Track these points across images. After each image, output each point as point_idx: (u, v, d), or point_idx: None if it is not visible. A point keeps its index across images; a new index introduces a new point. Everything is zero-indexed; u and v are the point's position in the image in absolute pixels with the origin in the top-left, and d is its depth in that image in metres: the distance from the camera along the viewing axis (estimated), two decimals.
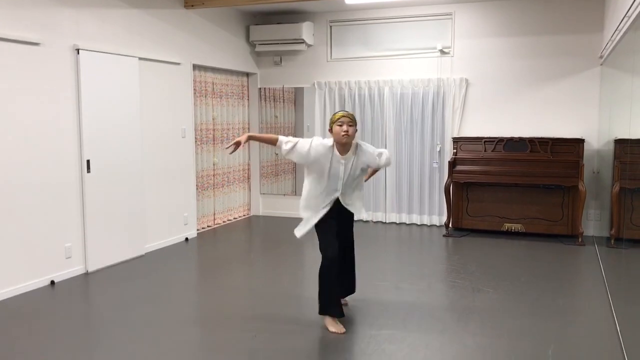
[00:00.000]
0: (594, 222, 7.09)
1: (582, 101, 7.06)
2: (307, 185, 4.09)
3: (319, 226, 4.06)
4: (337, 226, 4.13)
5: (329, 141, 3.98)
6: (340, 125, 3.89)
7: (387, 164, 4.20)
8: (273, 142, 4.00)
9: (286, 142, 3.96)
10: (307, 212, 4.09)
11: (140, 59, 6.07)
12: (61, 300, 4.71)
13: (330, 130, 3.97)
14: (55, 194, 5.15)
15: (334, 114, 3.99)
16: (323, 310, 4.04)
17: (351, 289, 4.48)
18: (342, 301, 4.27)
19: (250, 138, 4.02)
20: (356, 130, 4.01)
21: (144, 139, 6.21)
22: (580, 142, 6.77)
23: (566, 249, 6.46)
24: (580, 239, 6.64)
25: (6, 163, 4.68)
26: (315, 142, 3.93)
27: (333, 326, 3.97)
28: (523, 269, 5.60)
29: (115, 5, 5.79)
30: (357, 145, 4.04)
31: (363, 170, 4.13)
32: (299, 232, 4.10)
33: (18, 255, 4.82)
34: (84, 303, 4.70)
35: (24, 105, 4.82)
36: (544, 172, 6.72)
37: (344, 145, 3.95)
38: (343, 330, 3.95)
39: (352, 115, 4.00)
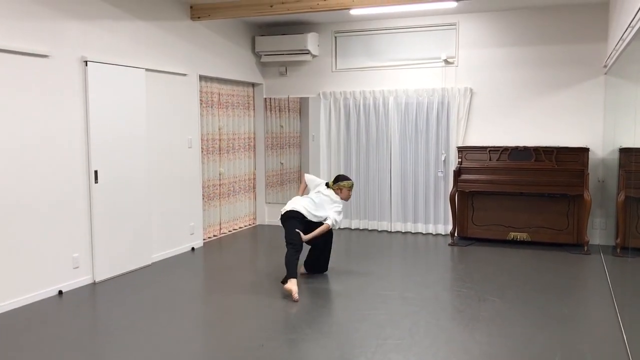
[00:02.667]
0: (599, 230, 7.09)
1: (586, 110, 7.08)
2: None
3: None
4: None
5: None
6: (349, 191, 5.65)
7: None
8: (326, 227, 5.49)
9: (337, 212, 5.54)
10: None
11: (147, 70, 6.13)
12: (69, 310, 4.74)
13: (339, 189, 5.61)
14: (64, 204, 5.19)
15: (348, 182, 5.63)
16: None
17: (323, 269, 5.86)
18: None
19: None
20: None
21: (151, 149, 6.26)
22: (585, 151, 6.78)
23: (572, 257, 6.45)
24: (585, 248, 6.64)
25: (15, 173, 4.73)
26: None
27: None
28: (529, 278, 5.60)
29: (123, 17, 5.86)
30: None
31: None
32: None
33: (26, 265, 4.86)
34: (91, 313, 4.73)
35: (33, 116, 4.88)
36: (549, 181, 6.73)
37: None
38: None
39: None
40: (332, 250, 5.91)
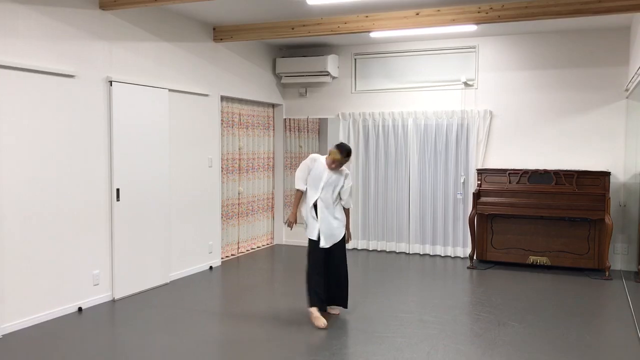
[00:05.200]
0: (621, 255, 6.99)
1: (607, 134, 7.04)
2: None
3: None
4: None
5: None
6: (332, 162, 4.96)
7: (347, 193, 5.08)
8: (299, 196, 5.14)
9: (298, 181, 5.11)
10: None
11: (170, 90, 6.23)
12: (88, 327, 4.78)
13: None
14: (85, 221, 5.27)
15: (334, 150, 4.97)
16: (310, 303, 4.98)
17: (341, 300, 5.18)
18: (333, 311, 5.17)
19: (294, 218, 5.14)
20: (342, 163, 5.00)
21: (172, 168, 6.33)
22: (606, 175, 6.72)
23: (593, 283, 6.36)
24: (607, 273, 6.55)
25: (38, 190, 4.82)
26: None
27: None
28: (549, 303, 5.53)
29: (147, 38, 5.98)
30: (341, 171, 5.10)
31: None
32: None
33: (48, 282, 4.92)
34: (110, 330, 4.77)
35: (58, 135, 4.98)
36: (570, 204, 6.67)
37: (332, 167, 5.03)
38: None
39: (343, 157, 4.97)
40: (348, 274, 5.27)
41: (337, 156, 4.91)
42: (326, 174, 4.97)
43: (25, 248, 4.72)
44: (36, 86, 4.77)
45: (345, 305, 5.14)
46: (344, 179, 5.03)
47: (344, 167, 5.09)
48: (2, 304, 4.51)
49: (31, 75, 4.72)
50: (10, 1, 4.55)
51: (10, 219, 4.58)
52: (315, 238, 4.95)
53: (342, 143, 5.03)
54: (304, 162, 5.13)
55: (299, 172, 5.10)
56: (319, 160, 5.07)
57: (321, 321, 4.81)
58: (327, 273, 5.06)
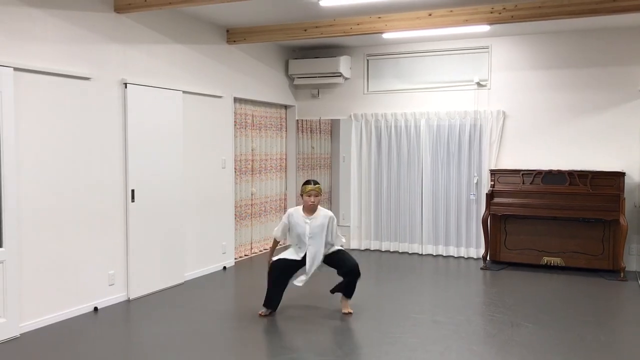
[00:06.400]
0: (636, 257, 6.94)
1: (622, 134, 6.99)
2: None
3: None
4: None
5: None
6: (309, 196, 5.05)
7: (335, 241, 5.18)
8: (274, 245, 5.39)
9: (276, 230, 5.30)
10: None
11: (184, 92, 6.28)
12: (104, 327, 4.83)
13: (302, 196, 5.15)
14: (101, 222, 5.32)
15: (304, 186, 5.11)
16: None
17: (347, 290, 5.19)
18: (346, 310, 5.19)
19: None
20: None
21: (186, 169, 6.38)
22: (620, 175, 6.67)
23: (607, 284, 6.32)
24: (622, 274, 6.50)
25: (55, 191, 4.88)
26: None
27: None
28: (563, 304, 5.51)
29: (162, 41, 6.03)
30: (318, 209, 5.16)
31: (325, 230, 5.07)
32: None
33: (64, 282, 4.98)
34: (126, 330, 4.82)
35: (74, 136, 5.04)
36: (584, 205, 6.63)
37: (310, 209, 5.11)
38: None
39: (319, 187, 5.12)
40: (361, 273, 5.19)
41: (308, 187, 5.05)
42: (308, 227, 5.04)
43: (42, 249, 4.78)
44: (52, 88, 4.83)
45: (347, 295, 5.19)
46: (329, 222, 5.10)
47: (324, 210, 5.18)
48: (20, 304, 4.58)
49: (47, 77, 4.78)
50: (27, 5, 4.62)
51: (27, 220, 4.65)
52: (299, 258, 5.09)
53: (306, 180, 5.22)
54: (281, 221, 5.25)
55: (277, 228, 5.28)
56: (296, 213, 5.14)
57: (263, 311, 5.10)
58: (338, 267, 5.14)
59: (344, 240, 5.34)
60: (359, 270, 5.09)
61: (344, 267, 5.08)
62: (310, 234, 5.04)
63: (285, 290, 5.14)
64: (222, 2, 5.07)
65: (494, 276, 6.73)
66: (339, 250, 5.20)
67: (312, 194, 5.04)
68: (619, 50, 6.98)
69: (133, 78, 5.63)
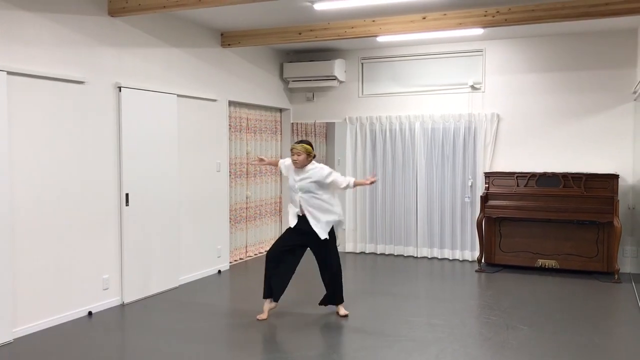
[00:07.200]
0: (630, 258, 6.97)
1: (616, 137, 7.02)
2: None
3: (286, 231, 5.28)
4: (302, 243, 5.14)
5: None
6: (292, 155, 5.05)
7: (340, 184, 5.02)
8: (275, 163, 5.57)
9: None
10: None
11: (178, 96, 6.27)
12: (98, 331, 4.81)
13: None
14: (95, 226, 5.31)
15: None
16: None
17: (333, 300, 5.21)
18: (342, 312, 5.17)
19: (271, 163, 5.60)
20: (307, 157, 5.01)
21: (181, 173, 6.37)
22: (614, 177, 6.70)
23: (602, 286, 6.34)
24: (616, 276, 6.52)
25: (48, 195, 4.86)
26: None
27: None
28: (558, 306, 5.52)
29: (156, 44, 6.03)
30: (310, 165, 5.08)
31: (320, 186, 4.98)
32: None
33: (58, 286, 4.96)
34: (120, 335, 4.80)
35: (68, 140, 5.02)
36: (578, 207, 6.65)
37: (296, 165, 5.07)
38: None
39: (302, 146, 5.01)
40: (342, 270, 5.25)
41: (292, 145, 5.07)
42: (296, 184, 5.04)
43: (35, 253, 4.76)
44: (46, 92, 4.81)
45: (335, 303, 5.20)
46: (327, 173, 4.99)
47: (320, 167, 5.05)
48: (13, 309, 4.55)
49: (41, 81, 4.76)
50: (21, 9, 4.61)
51: (21, 225, 4.62)
52: (292, 225, 5.09)
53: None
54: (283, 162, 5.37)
55: (282, 160, 5.44)
56: (287, 162, 5.23)
57: (261, 315, 5.06)
58: (322, 269, 5.16)
59: (350, 180, 5.10)
60: (338, 270, 5.14)
61: (324, 271, 5.15)
62: (299, 188, 5.01)
63: (284, 292, 5.14)
64: (216, 5, 5.07)
65: (489, 279, 6.74)
66: (327, 244, 5.03)
67: (293, 152, 5.01)
68: (612, 53, 7.01)
69: (127, 82, 5.62)
